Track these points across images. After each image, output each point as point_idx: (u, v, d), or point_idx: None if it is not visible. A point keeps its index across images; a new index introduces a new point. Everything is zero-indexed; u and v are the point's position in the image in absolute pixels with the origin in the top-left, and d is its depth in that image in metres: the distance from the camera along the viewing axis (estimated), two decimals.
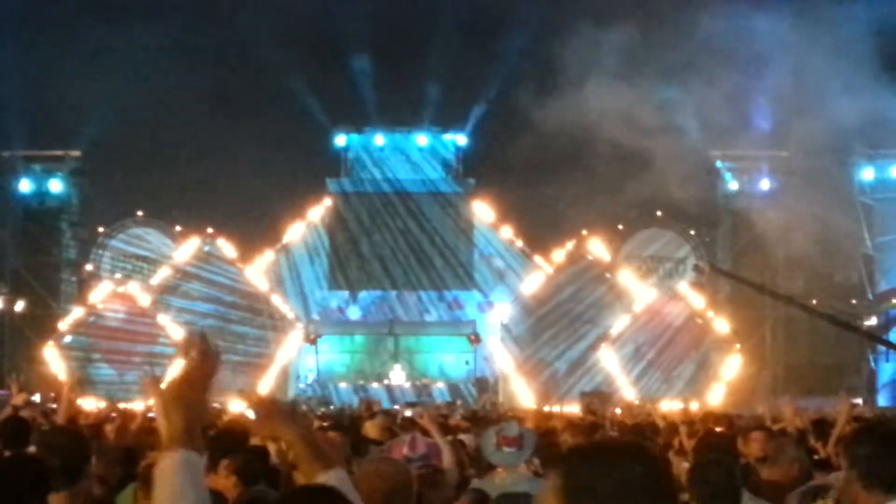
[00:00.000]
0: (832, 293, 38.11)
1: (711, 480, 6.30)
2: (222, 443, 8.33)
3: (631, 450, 3.05)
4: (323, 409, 28.52)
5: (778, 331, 39.75)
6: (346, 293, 43.53)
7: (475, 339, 41.24)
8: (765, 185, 41.12)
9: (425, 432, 13.12)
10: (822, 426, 13.27)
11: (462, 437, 13.22)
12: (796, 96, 36.88)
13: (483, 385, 39.22)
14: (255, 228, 41.27)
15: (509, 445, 8.60)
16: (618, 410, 25.25)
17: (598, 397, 33.49)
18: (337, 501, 3.69)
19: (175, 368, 3.96)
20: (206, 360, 3.62)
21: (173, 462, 3.50)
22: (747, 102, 38.21)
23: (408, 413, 18.10)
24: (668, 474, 3.06)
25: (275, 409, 4.08)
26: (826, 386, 32.32)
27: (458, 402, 34.73)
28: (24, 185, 41.77)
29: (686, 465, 9.91)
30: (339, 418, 16.62)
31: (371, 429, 13.32)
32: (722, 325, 39.56)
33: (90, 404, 25.61)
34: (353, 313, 43.56)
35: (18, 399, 13.80)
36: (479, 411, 26.58)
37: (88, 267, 40.87)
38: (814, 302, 36.61)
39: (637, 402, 30.96)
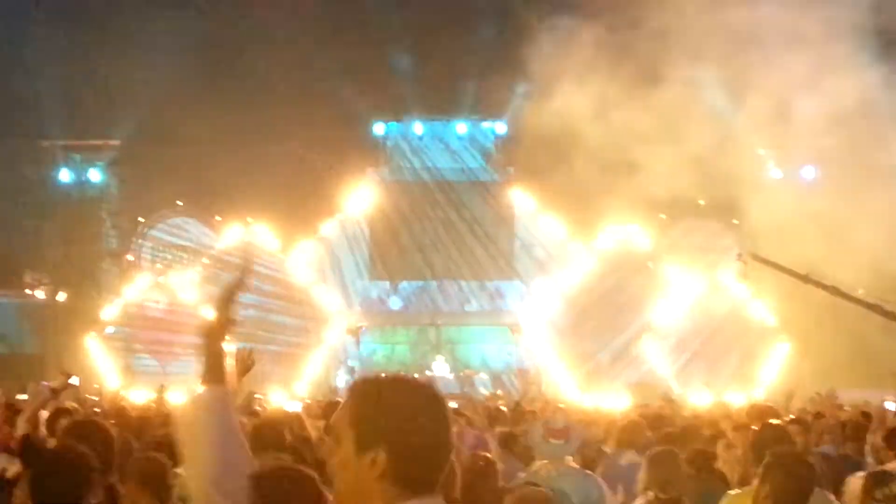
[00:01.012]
0: (879, 283, 37.70)
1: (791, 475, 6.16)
2: (261, 440, 8.21)
3: (414, 383, 3.52)
4: None
5: (823, 321, 39.39)
6: (386, 283, 43.45)
7: (517, 329, 41.10)
8: (809, 172, 40.76)
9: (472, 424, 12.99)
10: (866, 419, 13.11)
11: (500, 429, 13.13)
12: (840, 81, 36.54)
13: (525, 376, 39.01)
14: (295, 218, 41.27)
15: (556, 438, 8.56)
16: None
17: (646, 389, 33.26)
18: None
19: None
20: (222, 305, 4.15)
21: (197, 400, 3.92)
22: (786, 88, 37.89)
23: (453, 404, 17.93)
24: (443, 409, 3.50)
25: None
26: (873, 378, 32.00)
27: (500, 392, 34.52)
28: (64, 175, 41.91)
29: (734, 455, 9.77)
30: None
31: None
32: (766, 315, 39.26)
33: (139, 395, 25.67)
34: (395, 304, 43.47)
35: (56, 382, 13.64)
36: (521, 402, 26.38)
37: (129, 257, 40.94)
38: (860, 292, 36.22)
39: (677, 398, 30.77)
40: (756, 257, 35.85)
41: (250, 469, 3.97)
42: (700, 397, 27.64)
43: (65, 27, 37.97)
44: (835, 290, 35.06)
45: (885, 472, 6.65)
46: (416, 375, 3.81)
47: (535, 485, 7.66)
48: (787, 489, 6.22)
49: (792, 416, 13.19)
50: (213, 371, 4.02)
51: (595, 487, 8.57)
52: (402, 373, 3.68)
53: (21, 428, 10.00)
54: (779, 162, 41.41)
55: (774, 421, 13.38)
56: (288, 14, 38.28)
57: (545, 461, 8.65)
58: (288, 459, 8.39)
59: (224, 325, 4.15)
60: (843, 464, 10.51)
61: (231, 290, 4.26)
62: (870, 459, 11.54)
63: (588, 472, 9.25)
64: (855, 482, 6.91)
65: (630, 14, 35.27)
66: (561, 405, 18.18)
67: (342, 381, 39.18)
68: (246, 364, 8.72)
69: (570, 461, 8.88)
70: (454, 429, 10.36)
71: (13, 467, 8.73)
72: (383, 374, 3.52)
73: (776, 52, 35.12)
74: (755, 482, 6.70)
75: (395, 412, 3.33)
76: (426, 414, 3.39)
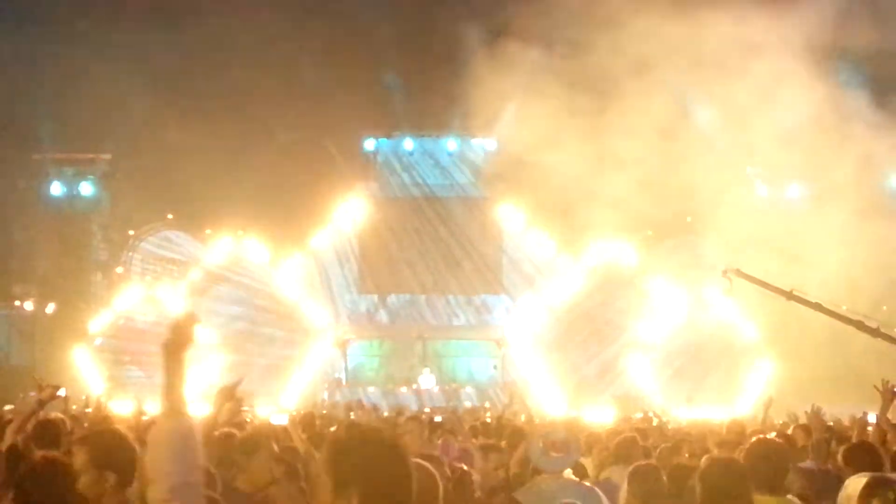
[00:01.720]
0: (865, 300, 37.89)
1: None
2: (248, 447, 8.40)
3: (383, 436, 3.96)
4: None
5: (807, 337, 39.56)
6: (375, 297, 43.56)
7: (504, 343, 41.21)
8: (794, 191, 40.97)
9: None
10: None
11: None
12: (823, 102, 36.79)
13: (511, 390, 39.11)
14: (285, 232, 41.36)
15: (556, 451, 8.60)
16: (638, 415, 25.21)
17: (628, 402, 33.45)
18: None
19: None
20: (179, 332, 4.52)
21: (160, 430, 4.36)
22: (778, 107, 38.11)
23: (437, 418, 18.09)
24: (405, 459, 3.92)
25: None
26: (855, 393, 32.14)
27: (487, 405, 34.64)
28: (55, 188, 42.00)
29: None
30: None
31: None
32: (750, 331, 39.43)
33: (123, 406, 25.76)
34: (383, 317, 43.58)
35: (45, 393, 13.74)
36: (504, 415, 26.51)
37: (119, 269, 41.01)
38: (843, 308, 36.42)
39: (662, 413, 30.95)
40: (741, 274, 36.04)
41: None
42: (683, 412, 27.82)
43: (56, 42, 38.10)
44: (818, 307, 35.27)
45: (884, 478, 6.71)
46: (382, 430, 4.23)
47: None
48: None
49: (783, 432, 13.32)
50: (172, 401, 4.52)
51: (595, 500, 8.63)
52: (373, 427, 4.15)
53: (8, 439, 10.03)
54: (765, 180, 41.61)
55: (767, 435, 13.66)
56: (279, 31, 38.45)
57: (544, 475, 8.70)
58: (279, 470, 8.59)
59: (183, 351, 4.66)
60: (825, 479, 10.59)
61: (189, 321, 4.66)
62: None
63: (588, 484, 9.30)
64: (854, 483, 6.96)
65: (614, 36, 35.54)
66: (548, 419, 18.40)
67: (329, 393, 39.33)
68: (228, 397, 8.96)
69: (570, 474, 8.93)
70: (439, 441, 10.61)
71: None
72: (357, 428, 4.02)
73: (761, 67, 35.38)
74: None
75: (367, 461, 3.81)
76: (393, 463, 3.87)
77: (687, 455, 11.72)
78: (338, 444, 3.89)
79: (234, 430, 9.47)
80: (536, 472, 8.96)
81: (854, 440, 12.45)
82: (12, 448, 9.59)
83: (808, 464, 12.66)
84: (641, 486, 8.20)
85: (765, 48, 34.90)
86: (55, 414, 12.60)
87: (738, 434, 13.98)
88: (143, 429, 11.96)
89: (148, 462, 4.42)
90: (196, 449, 4.42)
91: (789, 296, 35.36)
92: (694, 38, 34.34)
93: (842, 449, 10.08)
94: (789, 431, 14.87)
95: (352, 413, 23.86)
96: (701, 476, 6.57)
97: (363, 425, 4.15)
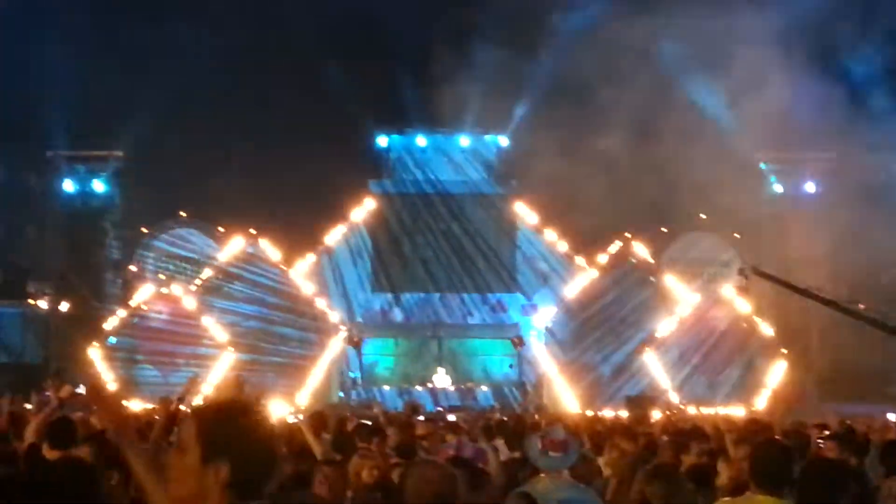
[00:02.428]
0: (879, 297, 37.72)
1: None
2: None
3: (248, 406, 4.09)
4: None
5: (824, 335, 39.44)
6: (389, 295, 43.48)
7: (519, 341, 41.09)
8: (810, 187, 40.83)
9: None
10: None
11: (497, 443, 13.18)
12: (841, 96, 36.68)
13: (526, 389, 39.03)
14: (298, 230, 41.31)
15: (555, 450, 8.54)
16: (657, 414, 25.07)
17: (643, 401, 33.32)
18: None
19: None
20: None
21: None
22: (793, 103, 38.00)
23: (451, 417, 17.99)
24: (269, 430, 4.10)
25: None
26: (873, 392, 32.06)
27: (496, 406, 34.49)
28: (68, 186, 42.04)
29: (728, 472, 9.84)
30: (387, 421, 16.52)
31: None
32: (767, 329, 39.29)
33: (135, 406, 25.75)
34: (397, 316, 43.51)
35: (64, 392, 13.73)
36: (522, 415, 26.42)
37: (132, 267, 40.99)
38: (860, 306, 36.25)
39: (681, 407, 30.82)
40: (757, 271, 35.89)
41: None
42: (699, 410, 27.71)
43: (70, 39, 38.09)
44: (835, 305, 35.12)
45: None
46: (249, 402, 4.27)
47: (531, 497, 7.74)
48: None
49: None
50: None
51: (592, 501, 8.60)
52: (239, 400, 4.24)
53: (29, 438, 10.03)
54: (780, 177, 41.48)
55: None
56: (293, 28, 38.45)
57: (542, 474, 8.66)
58: (288, 468, 8.51)
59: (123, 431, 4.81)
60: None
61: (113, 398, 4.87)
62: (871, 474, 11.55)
63: (585, 486, 9.26)
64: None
65: (631, 27, 35.46)
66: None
67: (344, 393, 39.26)
68: (237, 388, 8.90)
69: (567, 474, 8.88)
70: (453, 442, 10.47)
71: None
72: (224, 401, 4.15)
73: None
74: (748, 493, 6.74)
75: (235, 431, 3.95)
76: (259, 432, 4.02)
77: (695, 453, 11.53)
78: (206, 417, 4.03)
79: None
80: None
81: (878, 440, 12.32)
82: (32, 447, 9.56)
83: None
84: (658, 486, 8.10)
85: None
86: (78, 413, 12.57)
87: (755, 432, 13.83)
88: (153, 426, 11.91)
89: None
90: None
91: (806, 293, 35.27)
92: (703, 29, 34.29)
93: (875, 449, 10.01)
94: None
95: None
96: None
97: (229, 399, 4.16)
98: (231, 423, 3.98)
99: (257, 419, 4.03)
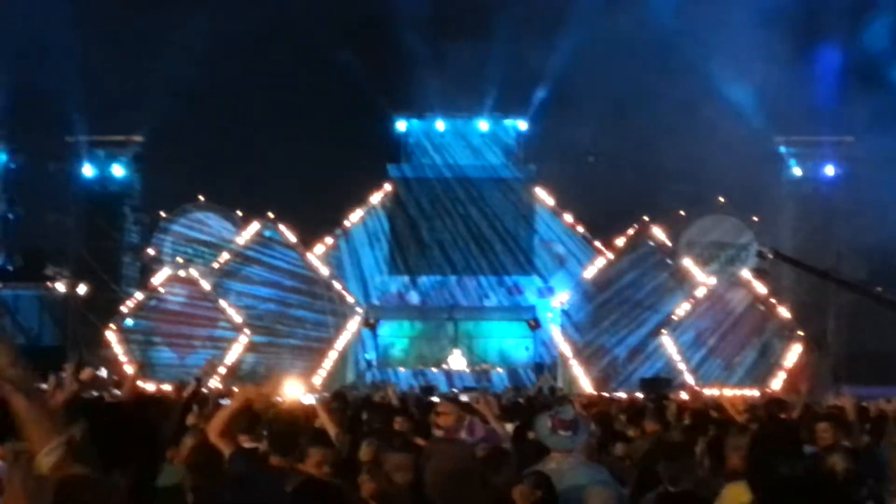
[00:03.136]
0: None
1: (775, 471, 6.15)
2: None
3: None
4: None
5: (841, 318, 39.36)
6: (406, 278, 43.52)
7: (535, 324, 41.09)
8: (829, 170, 40.68)
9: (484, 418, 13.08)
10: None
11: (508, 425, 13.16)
12: (861, 79, 36.54)
13: (541, 370, 39.01)
14: (316, 213, 41.39)
15: (565, 429, 8.53)
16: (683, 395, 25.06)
17: (659, 384, 33.35)
18: None
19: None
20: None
21: None
22: (812, 86, 37.91)
23: (464, 398, 17.97)
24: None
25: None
26: (890, 375, 31.94)
27: (507, 387, 34.39)
28: (87, 171, 42.14)
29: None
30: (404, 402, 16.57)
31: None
32: (784, 312, 39.21)
33: (151, 388, 25.83)
34: (413, 298, 43.56)
35: (85, 374, 13.79)
36: (537, 396, 26.47)
37: (150, 251, 41.10)
38: (878, 289, 36.17)
39: (696, 389, 30.81)
40: (777, 254, 35.82)
41: None
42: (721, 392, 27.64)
43: (89, 24, 38.18)
44: (853, 287, 35.05)
45: None
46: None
47: (546, 476, 7.76)
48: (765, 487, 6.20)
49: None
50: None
51: (604, 477, 8.58)
52: None
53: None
54: (799, 160, 41.33)
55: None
56: (311, 12, 38.44)
57: (553, 453, 8.65)
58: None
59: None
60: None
61: None
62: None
63: (597, 464, 9.25)
64: None
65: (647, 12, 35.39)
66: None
67: (359, 374, 39.35)
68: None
69: (577, 453, 8.87)
70: (465, 421, 10.43)
71: None
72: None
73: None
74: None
75: None
76: None
77: (711, 436, 11.44)
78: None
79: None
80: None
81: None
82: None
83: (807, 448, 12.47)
84: (671, 465, 8.11)
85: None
86: (94, 393, 12.63)
87: (771, 413, 13.78)
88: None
89: None
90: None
91: (824, 276, 35.20)
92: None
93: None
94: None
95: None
96: None
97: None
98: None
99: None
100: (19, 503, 3.89)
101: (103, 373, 29.05)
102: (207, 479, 7.77)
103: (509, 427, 13.44)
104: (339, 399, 16.20)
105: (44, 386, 14.97)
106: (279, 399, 11.87)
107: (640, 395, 29.85)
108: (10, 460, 4.22)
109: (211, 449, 7.88)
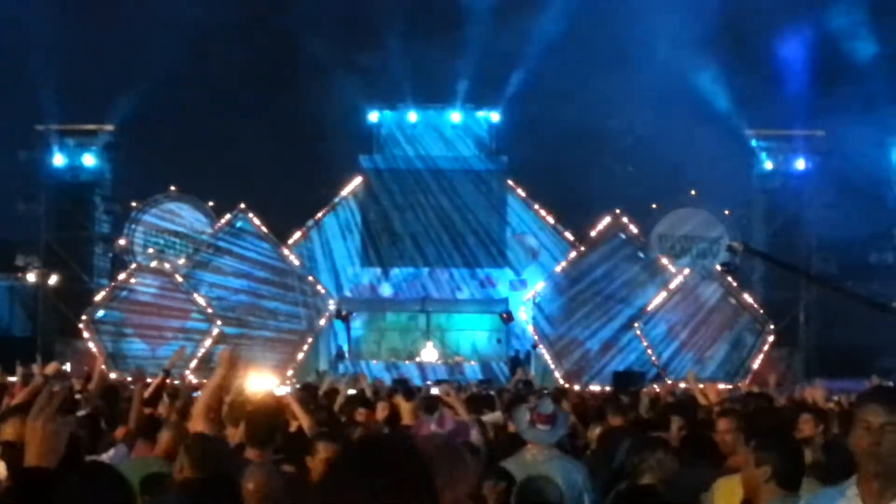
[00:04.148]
0: (867, 275, 37.85)
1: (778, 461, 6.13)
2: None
3: None
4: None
5: (811, 312, 39.58)
6: (378, 270, 43.50)
7: (507, 317, 41.13)
8: (800, 164, 40.86)
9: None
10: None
11: (486, 417, 13.18)
12: (832, 74, 36.72)
13: (513, 364, 39.02)
14: (288, 204, 41.31)
15: (543, 423, 8.56)
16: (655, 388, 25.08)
17: (631, 377, 33.42)
18: None
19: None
20: None
21: None
22: (783, 80, 38.08)
23: (434, 391, 17.98)
24: None
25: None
26: (860, 369, 32.11)
27: (469, 381, 34.37)
28: (58, 160, 41.89)
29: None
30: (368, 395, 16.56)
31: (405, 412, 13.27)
32: (755, 306, 39.40)
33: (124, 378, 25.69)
34: (386, 290, 43.54)
35: (49, 368, 13.80)
36: (510, 390, 26.43)
37: (121, 241, 40.92)
38: (849, 284, 36.38)
39: (668, 382, 30.90)
40: (747, 248, 35.98)
41: None
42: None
43: (59, 11, 38.00)
44: (823, 282, 35.24)
45: None
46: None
47: (508, 473, 7.76)
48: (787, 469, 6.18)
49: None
50: None
51: (579, 472, 8.59)
52: None
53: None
54: (770, 154, 41.49)
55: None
56: (284, 1, 38.34)
57: (529, 445, 8.66)
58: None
59: None
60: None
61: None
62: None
63: (572, 457, 9.27)
64: None
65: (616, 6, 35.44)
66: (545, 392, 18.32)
67: (331, 367, 39.24)
68: (232, 363, 8.92)
69: (555, 447, 8.87)
70: (436, 414, 10.40)
71: None
72: None
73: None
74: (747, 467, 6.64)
75: None
76: None
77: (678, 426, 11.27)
78: None
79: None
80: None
81: None
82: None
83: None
84: (636, 459, 8.08)
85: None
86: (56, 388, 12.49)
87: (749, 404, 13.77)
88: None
89: None
90: None
91: (794, 270, 35.38)
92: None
93: None
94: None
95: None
96: None
97: None
98: None
99: None
100: (36, 436, 4.14)
101: (68, 367, 28.90)
102: None
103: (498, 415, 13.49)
104: (307, 390, 16.23)
105: (12, 378, 14.96)
106: (250, 391, 11.84)
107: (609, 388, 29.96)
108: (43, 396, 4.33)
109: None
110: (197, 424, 8.38)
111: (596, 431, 11.42)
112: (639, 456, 7.83)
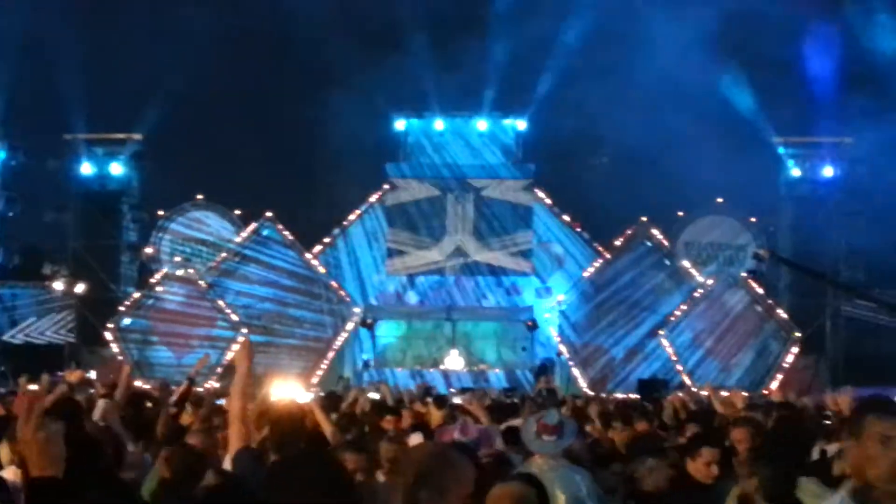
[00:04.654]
0: (894, 282, 37.67)
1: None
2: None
3: None
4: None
5: (838, 320, 39.38)
6: (404, 278, 43.51)
7: (532, 325, 41.06)
8: (828, 171, 40.68)
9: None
10: None
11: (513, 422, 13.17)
12: (860, 80, 36.58)
13: (539, 372, 38.94)
14: (314, 212, 41.42)
15: (549, 434, 8.56)
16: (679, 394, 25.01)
17: (655, 385, 33.35)
18: None
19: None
20: None
21: None
22: (811, 87, 37.95)
23: (457, 400, 17.95)
24: None
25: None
26: (887, 376, 31.95)
27: (486, 388, 34.30)
28: (86, 169, 42.10)
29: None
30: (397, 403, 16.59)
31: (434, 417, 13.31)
32: (782, 313, 39.22)
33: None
34: (411, 298, 43.53)
35: (73, 376, 13.85)
36: (535, 398, 26.39)
37: (148, 250, 41.10)
38: (876, 291, 36.23)
39: (693, 390, 30.79)
40: (774, 255, 35.86)
41: None
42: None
43: (87, 22, 38.21)
44: (851, 289, 35.07)
45: None
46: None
47: (529, 476, 7.75)
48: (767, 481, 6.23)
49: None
50: None
51: (583, 481, 8.59)
52: None
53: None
54: (798, 161, 41.35)
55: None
56: (311, 9, 38.43)
57: (537, 456, 8.67)
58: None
59: None
60: None
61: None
62: None
63: (579, 467, 9.27)
64: None
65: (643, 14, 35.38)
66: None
67: (356, 375, 39.28)
68: (249, 350, 8.92)
69: (562, 456, 8.88)
70: (458, 422, 10.42)
71: None
72: None
73: None
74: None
75: None
76: None
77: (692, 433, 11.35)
78: None
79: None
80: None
81: None
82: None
83: None
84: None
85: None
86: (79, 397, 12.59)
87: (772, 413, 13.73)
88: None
89: None
90: None
91: (821, 278, 35.22)
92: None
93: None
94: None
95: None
96: None
97: None
98: None
99: None
100: (30, 447, 4.12)
101: (93, 374, 29.00)
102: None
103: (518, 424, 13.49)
104: (330, 399, 16.27)
105: (34, 387, 15.02)
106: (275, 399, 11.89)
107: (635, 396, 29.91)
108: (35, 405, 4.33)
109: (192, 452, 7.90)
110: (234, 426, 8.41)
111: (620, 436, 11.44)
112: (633, 464, 7.87)
